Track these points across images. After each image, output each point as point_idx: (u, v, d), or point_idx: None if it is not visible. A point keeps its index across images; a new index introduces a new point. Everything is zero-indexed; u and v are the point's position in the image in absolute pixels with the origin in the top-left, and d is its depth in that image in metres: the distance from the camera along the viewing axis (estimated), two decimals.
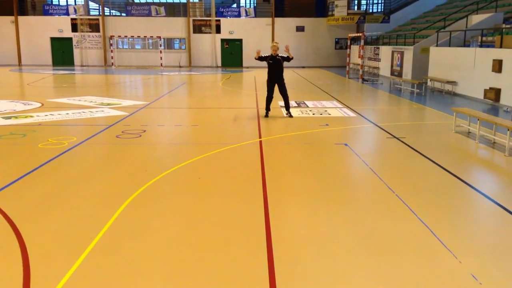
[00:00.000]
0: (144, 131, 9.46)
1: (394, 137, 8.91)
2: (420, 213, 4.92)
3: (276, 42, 11.22)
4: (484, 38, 16.35)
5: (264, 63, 11.17)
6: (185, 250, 4.10)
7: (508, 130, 7.49)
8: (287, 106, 11.24)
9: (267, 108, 11.16)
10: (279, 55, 10.99)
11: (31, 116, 11.05)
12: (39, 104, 13.10)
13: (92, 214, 4.93)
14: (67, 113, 11.56)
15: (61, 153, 7.53)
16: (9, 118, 10.79)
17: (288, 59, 11.02)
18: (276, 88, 11.13)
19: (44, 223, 4.67)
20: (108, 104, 13.30)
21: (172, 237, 4.37)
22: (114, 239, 4.28)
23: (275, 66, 10.96)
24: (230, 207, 5.19)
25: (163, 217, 4.90)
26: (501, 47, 13.86)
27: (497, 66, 13.31)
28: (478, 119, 8.51)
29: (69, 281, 3.52)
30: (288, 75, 26.50)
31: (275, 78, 11.07)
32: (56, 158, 7.22)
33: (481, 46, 15.83)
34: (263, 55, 10.99)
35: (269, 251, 4.05)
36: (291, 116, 11.08)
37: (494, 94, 13.37)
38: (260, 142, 8.48)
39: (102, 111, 12.10)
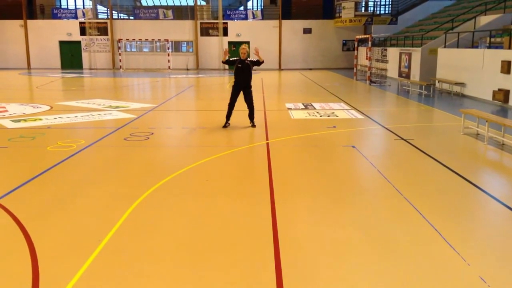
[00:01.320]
0: (152, 133, 9.51)
1: (402, 139, 8.88)
2: (428, 215, 4.90)
3: (245, 45, 10.27)
4: (492, 39, 16.26)
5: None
6: (193, 252, 4.11)
7: None
8: (251, 117, 10.25)
9: (228, 117, 10.14)
10: (249, 59, 10.06)
11: (40, 119, 11.14)
12: (48, 107, 13.20)
13: (101, 216, 4.96)
14: (76, 116, 11.64)
15: (69, 155, 7.58)
16: (19, 121, 10.89)
17: (258, 63, 10.09)
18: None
19: (53, 225, 4.71)
20: (116, 107, 13.37)
21: (180, 239, 4.39)
22: (122, 241, 4.31)
23: (242, 71, 9.97)
24: (238, 209, 5.20)
25: (171, 219, 4.91)
26: (509, 48, 13.78)
27: (506, 67, 13.23)
28: (487, 121, 8.46)
29: (77, 283, 3.55)
30: (296, 77, 26.60)
31: (242, 84, 10.06)
32: (65, 160, 7.28)
33: (489, 47, 15.75)
34: (231, 58, 10.04)
35: (276, 252, 4.05)
36: (253, 125, 10.14)
37: (503, 95, 13.29)
38: (267, 144, 8.48)
39: (111, 114, 12.17)
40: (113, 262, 3.91)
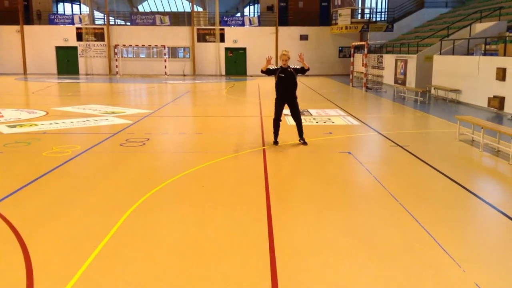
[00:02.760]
0: (148, 139, 9.50)
1: (398, 145, 8.90)
2: (424, 221, 4.90)
3: (286, 51, 8.81)
4: (487, 47, 16.36)
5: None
6: (188, 258, 4.09)
7: None
8: (300, 132, 9.05)
9: (276, 134, 8.93)
10: (291, 66, 8.79)
11: (36, 125, 11.11)
12: (44, 113, 13.18)
13: (96, 222, 4.94)
14: (72, 122, 11.62)
15: (65, 161, 7.56)
16: (14, 126, 10.86)
17: (303, 70, 8.84)
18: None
19: (48, 231, 4.68)
20: (113, 113, 13.36)
21: (175, 245, 4.37)
22: (117, 247, 4.29)
23: (286, 81, 8.71)
24: (234, 215, 5.19)
25: (167, 225, 4.90)
26: (504, 55, 13.87)
27: (501, 74, 13.30)
28: (482, 127, 8.50)
29: None
30: None
31: (286, 96, 8.84)
32: (60, 166, 7.26)
33: (484, 54, 15.84)
34: (271, 67, 8.78)
35: (272, 258, 4.04)
36: (305, 143, 8.93)
37: (498, 102, 13.35)
38: (264, 150, 8.49)
39: (107, 119, 12.16)
40: (108, 268, 3.88)
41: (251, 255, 4.15)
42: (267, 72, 8.80)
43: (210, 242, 4.45)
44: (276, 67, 8.84)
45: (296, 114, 8.91)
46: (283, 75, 8.70)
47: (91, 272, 3.80)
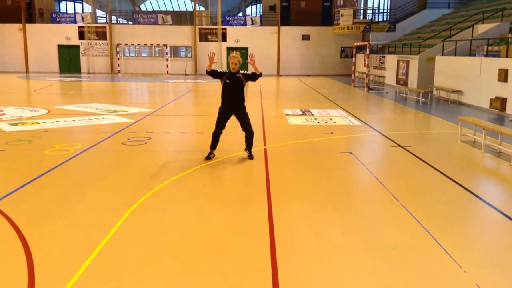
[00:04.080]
0: (150, 138, 9.50)
1: (399, 145, 8.90)
2: (425, 222, 4.90)
3: (236, 52, 7.60)
4: (489, 48, 16.35)
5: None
6: (189, 257, 4.10)
7: None
8: (248, 144, 7.79)
9: (213, 147, 7.72)
10: (241, 72, 7.57)
11: (38, 123, 11.12)
12: (46, 111, 13.19)
13: (97, 220, 4.95)
14: (73, 120, 11.63)
15: (66, 159, 7.57)
16: (16, 124, 10.87)
17: (254, 76, 7.58)
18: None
19: (49, 229, 4.69)
20: (114, 111, 13.37)
21: (176, 244, 4.38)
22: (118, 246, 4.30)
23: (233, 87, 7.51)
24: (235, 214, 5.20)
25: (168, 224, 4.91)
26: (507, 56, 13.85)
27: (503, 75, 13.29)
28: (484, 128, 8.49)
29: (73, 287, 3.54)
30: (294, 83, 26.65)
31: (232, 105, 7.63)
32: (61, 164, 7.27)
33: (486, 55, 15.83)
34: (218, 70, 7.69)
35: (273, 258, 4.05)
36: (251, 156, 7.74)
37: (500, 103, 13.34)
38: (265, 150, 8.49)
39: (108, 118, 12.17)
40: (109, 267, 3.89)
41: (251, 255, 4.15)
42: (212, 74, 7.58)
43: (211, 240, 4.46)
44: (223, 70, 7.69)
45: (246, 127, 7.68)
46: (229, 81, 7.49)
47: (92, 270, 3.81)
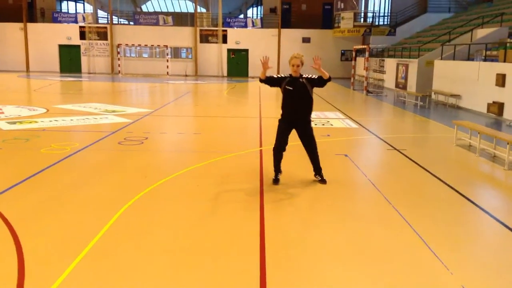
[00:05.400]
0: (147, 138, 9.54)
1: (395, 149, 8.93)
2: (416, 225, 4.93)
3: (298, 54, 6.29)
4: (488, 52, 16.39)
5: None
6: (180, 256, 4.13)
7: (508, 144, 7.50)
8: (316, 167, 6.58)
9: (277, 169, 6.50)
10: (304, 76, 6.24)
11: (36, 122, 11.17)
12: (44, 110, 13.24)
13: (90, 218, 4.98)
14: (72, 119, 11.67)
15: (62, 158, 7.61)
16: (14, 123, 10.91)
17: (321, 81, 6.19)
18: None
19: (42, 227, 4.73)
20: (113, 111, 13.41)
21: (168, 243, 4.41)
22: (109, 244, 4.33)
23: (296, 95, 6.20)
24: (227, 214, 5.22)
25: (160, 223, 4.94)
26: (505, 61, 13.89)
27: (501, 80, 13.32)
28: (479, 133, 8.52)
29: (62, 284, 3.56)
30: None
31: (295, 116, 6.34)
32: (57, 163, 7.30)
33: (485, 60, 15.87)
34: (275, 76, 6.38)
35: (262, 258, 4.08)
36: (323, 181, 6.49)
37: (497, 108, 13.37)
38: (261, 151, 8.52)
39: (106, 118, 12.21)
40: (99, 265, 3.92)
41: (242, 254, 4.18)
42: (268, 81, 6.30)
43: (202, 240, 4.48)
44: (282, 75, 6.35)
45: (311, 145, 6.46)
46: (291, 87, 6.18)
47: (82, 268, 3.84)
